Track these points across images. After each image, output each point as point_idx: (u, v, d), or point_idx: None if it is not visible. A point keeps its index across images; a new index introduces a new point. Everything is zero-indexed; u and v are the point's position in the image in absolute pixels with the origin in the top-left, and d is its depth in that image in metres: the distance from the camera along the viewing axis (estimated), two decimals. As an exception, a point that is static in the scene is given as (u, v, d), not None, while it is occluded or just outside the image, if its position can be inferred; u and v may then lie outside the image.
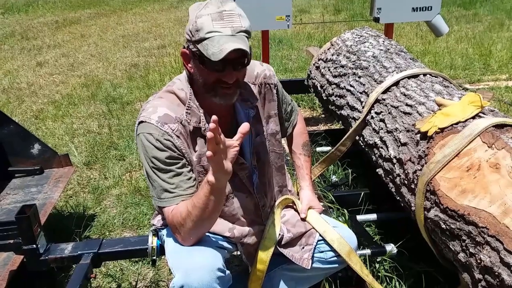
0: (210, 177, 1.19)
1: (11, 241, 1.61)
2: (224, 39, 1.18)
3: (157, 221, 1.59)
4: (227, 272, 1.32)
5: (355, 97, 2.18)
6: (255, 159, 1.49)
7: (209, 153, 1.11)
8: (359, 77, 2.21)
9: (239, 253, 1.58)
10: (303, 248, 1.56)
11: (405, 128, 1.70)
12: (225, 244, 1.47)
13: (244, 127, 1.20)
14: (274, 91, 1.54)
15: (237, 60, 1.23)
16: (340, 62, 2.44)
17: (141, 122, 1.33)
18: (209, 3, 1.22)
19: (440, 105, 1.64)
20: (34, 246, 1.61)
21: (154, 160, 1.30)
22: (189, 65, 1.31)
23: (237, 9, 1.23)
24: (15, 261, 1.74)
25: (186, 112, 1.33)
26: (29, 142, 2.41)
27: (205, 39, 1.19)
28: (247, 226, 1.52)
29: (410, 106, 1.77)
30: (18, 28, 8.35)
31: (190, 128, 1.34)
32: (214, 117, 1.09)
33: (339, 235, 1.54)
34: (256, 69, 1.50)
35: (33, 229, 1.59)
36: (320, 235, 1.56)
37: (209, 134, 1.09)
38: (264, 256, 1.51)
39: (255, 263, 1.52)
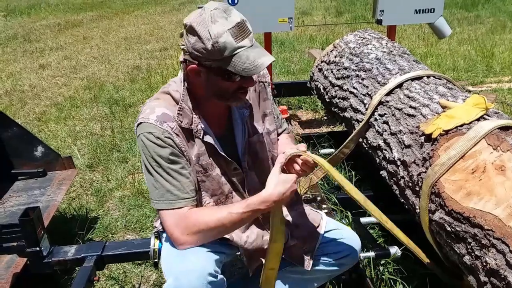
0: (269, 198, 1.29)
1: (15, 243, 1.61)
2: (250, 53, 1.22)
3: (159, 223, 1.58)
4: (220, 276, 1.31)
5: (358, 99, 2.18)
6: (252, 159, 1.49)
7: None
8: (362, 79, 2.21)
9: (239, 253, 1.57)
10: (305, 250, 1.55)
11: (409, 130, 1.70)
12: (224, 247, 1.44)
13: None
14: (268, 89, 1.55)
15: None
16: (343, 64, 2.43)
17: (140, 123, 1.33)
18: (214, 16, 1.20)
19: (444, 107, 1.64)
20: (38, 248, 1.62)
21: (157, 158, 1.30)
22: (199, 79, 1.30)
23: (240, 14, 1.24)
24: (18, 263, 1.74)
25: (178, 113, 1.33)
26: (32, 145, 2.41)
27: (231, 57, 1.21)
28: (246, 229, 1.50)
29: (414, 108, 1.76)
30: (20, 31, 8.37)
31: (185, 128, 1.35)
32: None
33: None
34: None
35: (37, 231, 1.60)
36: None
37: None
38: (274, 262, 1.47)
39: (265, 269, 1.49)
